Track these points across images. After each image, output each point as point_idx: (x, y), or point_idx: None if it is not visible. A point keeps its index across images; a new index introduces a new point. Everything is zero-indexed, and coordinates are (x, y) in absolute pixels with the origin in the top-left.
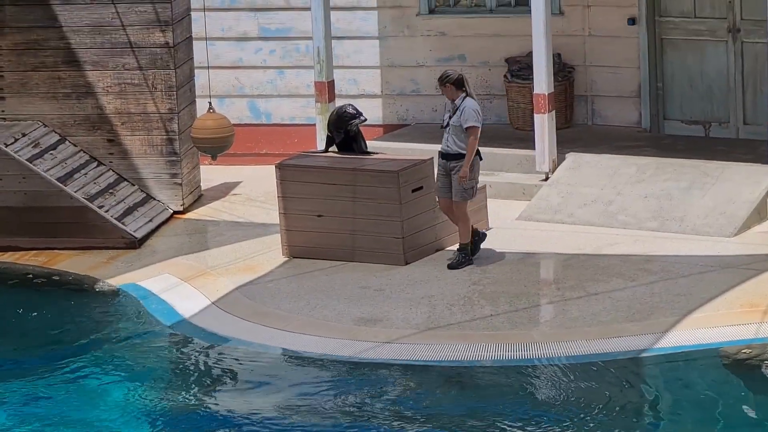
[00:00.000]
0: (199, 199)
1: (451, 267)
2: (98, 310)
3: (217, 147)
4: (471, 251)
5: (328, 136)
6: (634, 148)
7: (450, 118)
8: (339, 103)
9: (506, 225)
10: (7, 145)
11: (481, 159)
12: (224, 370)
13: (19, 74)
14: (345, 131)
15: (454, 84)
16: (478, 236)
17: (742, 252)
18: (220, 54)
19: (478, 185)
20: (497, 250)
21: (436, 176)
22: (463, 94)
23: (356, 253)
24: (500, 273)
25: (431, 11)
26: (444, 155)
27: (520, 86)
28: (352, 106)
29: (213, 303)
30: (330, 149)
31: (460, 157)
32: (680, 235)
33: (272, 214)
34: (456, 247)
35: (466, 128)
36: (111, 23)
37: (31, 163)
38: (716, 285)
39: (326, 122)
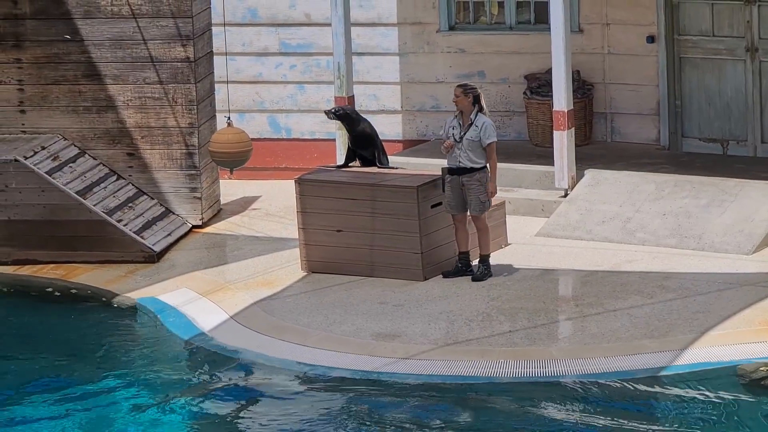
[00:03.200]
0: (218, 213)
1: (475, 279)
2: (116, 323)
3: (235, 161)
4: (452, 273)
5: (349, 149)
6: (652, 165)
7: (464, 133)
8: None
9: (525, 241)
10: (26, 158)
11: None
12: (240, 384)
13: (39, 87)
14: (357, 133)
15: (474, 98)
16: (468, 265)
17: (760, 270)
18: (241, 69)
19: (492, 201)
20: (516, 266)
21: (444, 193)
22: (477, 110)
23: (375, 268)
24: (519, 289)
25: (451, 28)
26: (455, 170)
27: (540, 103)
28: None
29: (231, 317)
30: (351, 164)
31: (473, 171)
32: (698, 252)
33: (291, 229)
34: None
35: (488, 144)
36: (132, 37)
37: (50, 176)
38: (734, 302)
39: (345, 138)
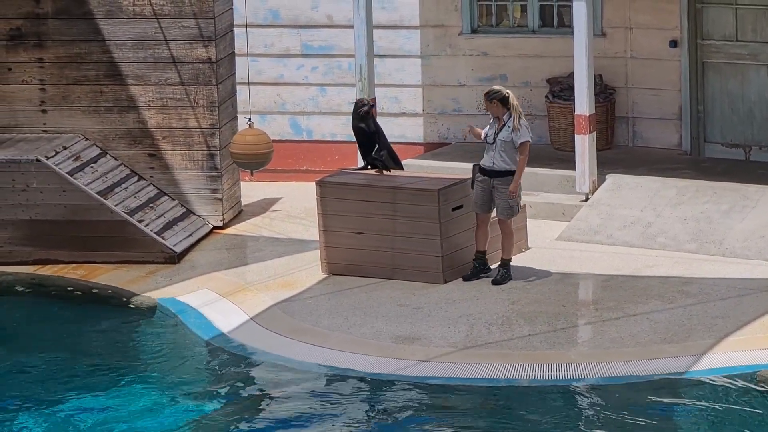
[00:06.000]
0: (239, 214)
1: (495, 282)
2: (136, 323)
3: (255, 163)
4: (471, 275)
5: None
6: (674, 170)
7: (497, 134)
8: (381, 121)
9: (545, 245)
10: (48, 158)
11: None
12: (261, 385)
13: (61, 87)
14: (364, 128)
15: (500, 101)
16: (485, 267)
17: None
18: (263, 70)
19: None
20: (536, 270)
21: (473, 190)
22: (509, 112)
23: (395, 270)
24: (539, 293)
25: (474, 31)
26: (488, 172)
27: (562, 107)
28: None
29: (251, 318)
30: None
31: (505, 174)
32: (719, 257)
33: (312, 231)
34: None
35: (520, 144)
36: (154, 38)
37: (71, 176)
38: (754, 308)
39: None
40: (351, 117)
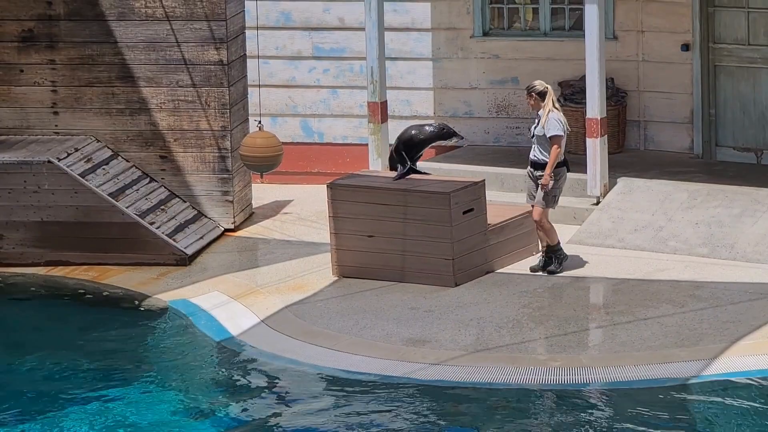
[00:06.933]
0: (250, 217)
1: (551, 272)
2: (147, 325)
3: (265, 165)
4: (546, 263)
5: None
6: (685, 174)
7: (534, 128)
8: (392, 123)
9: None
10: (60, 160)
11: (568, 170)
12: (272, 388)
13: (73, 89)
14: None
15: (538, 95)
16: (560, 255)
17: None
18: (274, 72)
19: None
20: (547, 274)
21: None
22: (549, 105)
23: (406, 273)
24: (550, 296)
25: (485, 34)
26: (532, 164)
27: (573, 110)
28: (431, 125)
29: (262, 321)
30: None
31: (545, 167)
32: (730, 262)
33: (323, 234)
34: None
35: (550, 137)
36: (166, 40)
37: (83, 178)
38: (765, 312)
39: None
40: (418, 130)
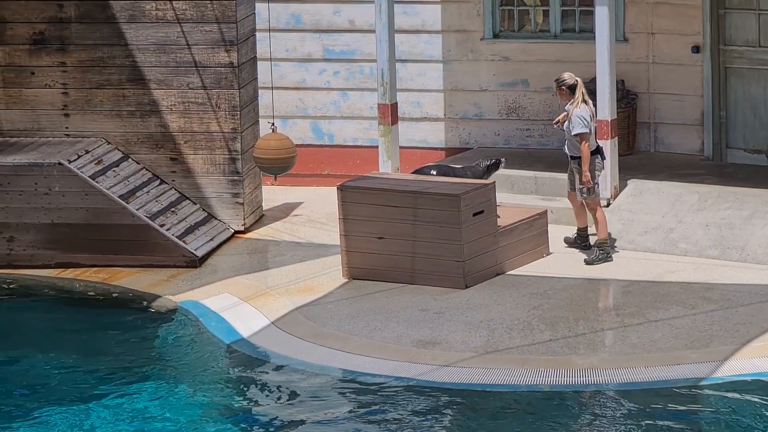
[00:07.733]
0: (260, 219)
1: (587, 263)
2: (158, 327)
3: (279, 167)
4: (571, 242)
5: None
6: (696, 176)
7: (564, 122)
8: (402, 126)
9: (567, 250)
10: (70, 162)
11: (603, 158)
12: (281, 389)
13: (83, 91)
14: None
15: (568, 89)
16: (584, 240)
17: None
18: (284, 75)
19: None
20: (557, 275)
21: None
22: (576, 101)
23: (416, 275)
24: (560, 298)
25: (495, 36)
26: (568, 155)
27: None
28: (483, 161)
29: (272, 323)
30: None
31: (579, 158)
32: (741, 263)
33: (333, 235)
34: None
35: (574, 134)
36: (176, 42)
37: (93, 180)
38: None
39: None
40: (471, 171)
